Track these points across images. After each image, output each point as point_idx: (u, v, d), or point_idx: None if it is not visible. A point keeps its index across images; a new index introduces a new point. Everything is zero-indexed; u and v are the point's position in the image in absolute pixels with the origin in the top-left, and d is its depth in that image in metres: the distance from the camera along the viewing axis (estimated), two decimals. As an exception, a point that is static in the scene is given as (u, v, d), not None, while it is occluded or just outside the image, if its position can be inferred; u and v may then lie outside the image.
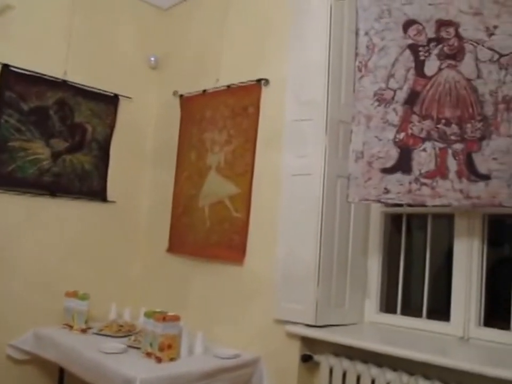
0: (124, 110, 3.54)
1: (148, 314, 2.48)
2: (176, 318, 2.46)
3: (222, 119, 3.12)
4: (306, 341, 2.54)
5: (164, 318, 2.41)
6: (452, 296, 2.38)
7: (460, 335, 2.34)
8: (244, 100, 3.02)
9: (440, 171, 2.20)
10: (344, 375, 2.36)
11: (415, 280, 2.67)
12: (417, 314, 2.53)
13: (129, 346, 2.62)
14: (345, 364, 2.36)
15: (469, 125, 2.18)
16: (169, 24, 3.71)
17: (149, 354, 2.44)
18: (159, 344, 2.38)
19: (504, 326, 2.27)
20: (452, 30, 2.26)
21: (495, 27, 2.20)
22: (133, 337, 2.74)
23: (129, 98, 3.56)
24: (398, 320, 2.58)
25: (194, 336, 2.63)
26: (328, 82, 2.55)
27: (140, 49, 3.64)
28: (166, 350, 2.40)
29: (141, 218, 3.63)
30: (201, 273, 3.13)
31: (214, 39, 3.29)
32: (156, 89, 3.70)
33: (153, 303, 2.93)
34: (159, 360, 2.38)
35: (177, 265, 3.30)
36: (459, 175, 2.17)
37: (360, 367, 2.32)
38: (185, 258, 3.25)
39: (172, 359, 2.42)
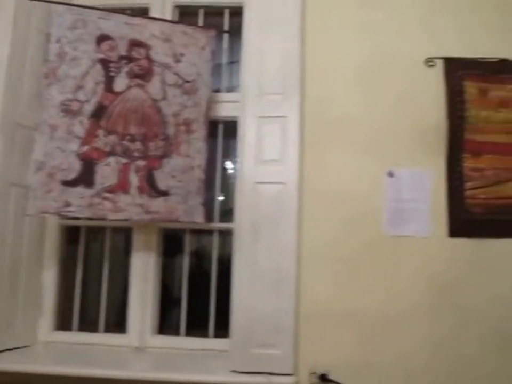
0: None
1: None
2: None
3: None
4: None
5: None
6: (129, 308, 2.44)
7: (136, 345, 2.40)
8: None
9: (122, 186, 2.23)
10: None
11: (94, 294, 2.63)
12: (96, 329, 2.50)
13: None
14: (17, 391, 2.15)
15: (152, 143, 2.29)
16: None
17: None
18: None
19: (176, 332, 2.46)
20: (143, 51, 2.34)
21: (182, 55, 2.37)
22: None
23: None
24: (75, 337, 2.49)
25: None
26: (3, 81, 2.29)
27: None
28: None
29: None
30: None
31: None
32: None
33: None
34: None
35: None
36: (140, 190, 2.25)
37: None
38: None
39: None
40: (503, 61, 2.31)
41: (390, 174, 2.26)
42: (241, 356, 2.14)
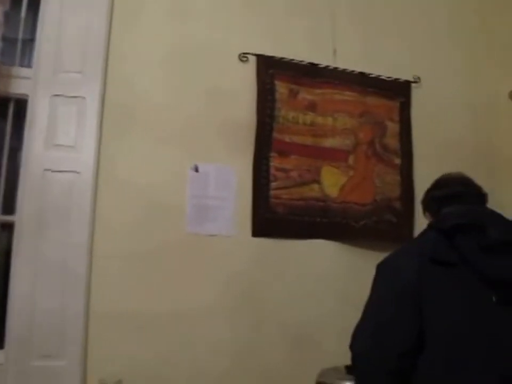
0: None
1: None
2: None
3: None
4: None
5: None
6: None
7: None
8: None
9: None
10: None
11: None
12: None
13: None
14: None
15: None
16: None
17: None
18: None
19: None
20: None
21: None
22: None
23: None
24: None
25: None
26: None
27: None
28: None
29: None
30: None
31: None
32: None
33: None
34: None
35: None
36: None
37: None
38: None
39: None
40: (313, 65, 2.35)
41: (195, 169, 2.14)
42: (19, 369, 1.86)
